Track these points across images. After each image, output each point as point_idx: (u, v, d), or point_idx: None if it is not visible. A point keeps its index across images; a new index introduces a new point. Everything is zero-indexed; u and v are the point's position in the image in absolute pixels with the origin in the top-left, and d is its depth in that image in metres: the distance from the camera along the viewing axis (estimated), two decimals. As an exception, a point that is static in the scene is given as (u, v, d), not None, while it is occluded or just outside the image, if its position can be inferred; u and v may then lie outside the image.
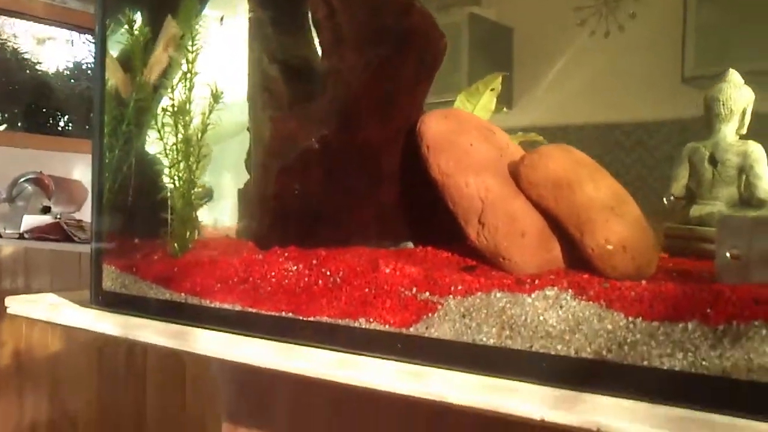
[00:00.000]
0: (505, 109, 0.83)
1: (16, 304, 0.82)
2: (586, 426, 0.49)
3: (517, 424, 0.51)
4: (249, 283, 0.65)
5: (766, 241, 0.51)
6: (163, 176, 0.75)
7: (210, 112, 0.73)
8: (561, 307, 0.52)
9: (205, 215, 0.80)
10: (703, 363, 0.48)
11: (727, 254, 0.53)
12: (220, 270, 0.66)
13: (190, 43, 0.74)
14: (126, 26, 0.77)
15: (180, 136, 0.72)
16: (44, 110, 3.63)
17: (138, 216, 0.77)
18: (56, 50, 3.71)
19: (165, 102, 0.75)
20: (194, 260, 0.70)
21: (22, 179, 2.50)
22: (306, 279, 0.61)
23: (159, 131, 0.71)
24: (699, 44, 2.23)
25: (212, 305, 0.68)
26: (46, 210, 2.48)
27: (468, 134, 0.56)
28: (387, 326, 0.58)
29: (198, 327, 0.69)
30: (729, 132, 0.66)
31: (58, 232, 2.19)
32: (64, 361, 2.01)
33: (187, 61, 0.74)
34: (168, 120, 0.72)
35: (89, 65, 3.73)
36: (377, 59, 0.60)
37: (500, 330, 0.54)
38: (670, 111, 2.23)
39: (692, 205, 0.67)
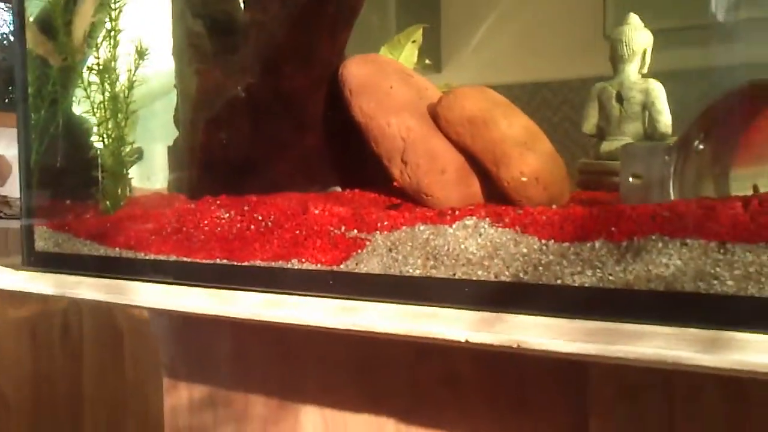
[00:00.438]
0: (427, 60, 0.86)
1: (-56, 272, 0.81)
2: (506, 344, 0.52)
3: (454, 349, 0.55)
4: (182, 233, 0.66)
5: (660, 164, 0.55)
6: (93, 135, 0.75)
7: (135, 68, 0.73)
8: (480, 234, 0.55)
9: (135, 175, 0.80)
10: (610, 278, 0.52)
11: (630, 179, 0.57)
12: (153, 222, 0.68)
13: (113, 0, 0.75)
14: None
15: (107, 94, 0.72)
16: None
17: (68, 176, 0.78)
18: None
19: (90, 60, 0.75)
20: (127, 215, 0.71)
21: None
22: (238, 225, 0.63)
23: (85, 89, 0.71)
24: (618, 3, 2.30)
25: (147, 258, 0.69)
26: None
27: (388, 77, 0.59)
28: (319, 265, 0.61)
29: (135, 280, 0.70)
30: (632, 71, 0.71)
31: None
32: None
33: (111, 19, 0.74)
34: (94, 78, 0.72)
35: (4, 35, 3.58)
36: (297, 9, 0.62)
37: (425, 260, 0.57)
38: (593, 68, 2.29)
39: (602, 141, 0.72)
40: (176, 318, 0.91)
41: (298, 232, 0.61)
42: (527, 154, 0.59)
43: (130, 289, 0.69)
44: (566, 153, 0.63)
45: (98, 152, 0.74)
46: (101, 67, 0.73)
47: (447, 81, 0.91)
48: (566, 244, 0.53)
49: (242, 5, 0.72)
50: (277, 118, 0.64)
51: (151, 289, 0.68)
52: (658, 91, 0.69)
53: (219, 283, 0.65)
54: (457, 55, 2.70)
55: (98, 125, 0.73)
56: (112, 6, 0.74)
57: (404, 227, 0.58)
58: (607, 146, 0.71)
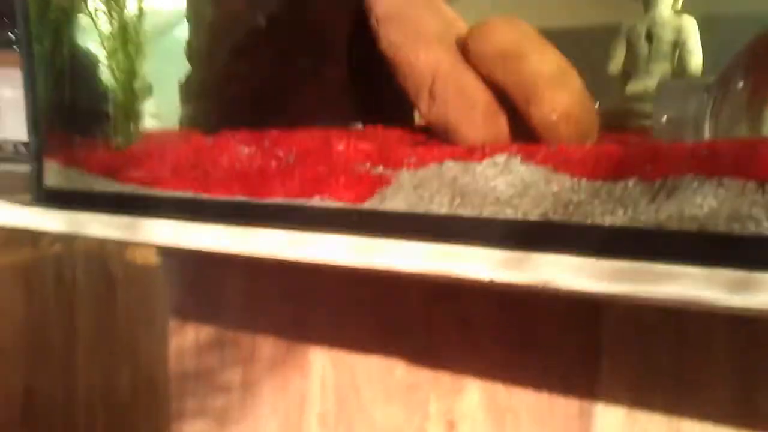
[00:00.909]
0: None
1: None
2: (533, 283, 0.52)
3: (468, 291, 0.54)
4: (199, 169, 0.65)
5: (697, 103, 0.54)
6: (102, 67, 0.72)
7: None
8: (510, 172, 0.54)
9: (145, 112, 0.78)
10: (642, 217, 0.51)
11: (663, 118, 0.56)
12: (169, 157, 0.66)
13: None
14: None
15: (115, 23, 0.69)
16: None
17: (79, 110, 0.75)
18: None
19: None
20: (141, 151, 0.70)
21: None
22: (258, 161, 0.62)
23: (92, 18, 0.69)
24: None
25: (162, 194, 0.68)
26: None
27: (417, 7, 0.57)
28: (342, 203, 0.59)
29: (148, 218, 0.68)
30: (665, 8, 0.69)
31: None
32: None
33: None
34: (101, 6, 0.69)
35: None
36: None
37: (452, 199, 0.56)
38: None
39: (628, 82, 0.70)
40: (187, 259, 0.89)
41: (321, 168, 0.59)
42: (559, 90, 0.58)
43: (144, 225, 0.68)
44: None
45: (109, 84, 0.71)
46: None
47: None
48: (599, 182, 0.52)
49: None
50: (298, 48, 0.62)
51: (166, 227, 0.66)
52: (691, 29, 0.67)
53: (237, 220, 0.64)
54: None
55: (108, 57, 0.71)
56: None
57: (431, 164, 0.56)
58: (633, 87, 0.69)
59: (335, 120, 0.65)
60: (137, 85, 0.70)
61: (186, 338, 0.94)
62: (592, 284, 0.50)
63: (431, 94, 0.57)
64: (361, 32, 0.60)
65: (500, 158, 0.54)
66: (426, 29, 0.57)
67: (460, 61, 0.57)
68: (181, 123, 0.77)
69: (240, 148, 0.62)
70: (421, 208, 0.57)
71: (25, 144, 0.98)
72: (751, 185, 0.47)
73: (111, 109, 0.72)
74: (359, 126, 0.66)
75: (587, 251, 0.52)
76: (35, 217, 0.73)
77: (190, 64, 0.75)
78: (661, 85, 0.56)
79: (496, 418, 0.69)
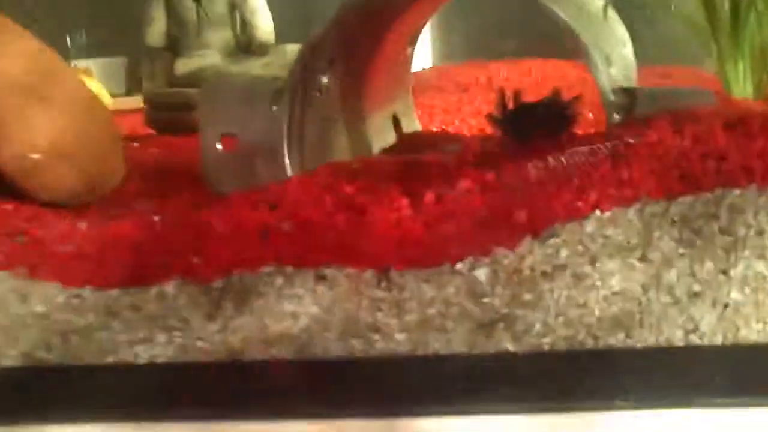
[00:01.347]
0: None
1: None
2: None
3: None
4: None
5: (263, 118, 0.33)
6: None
7: None
8: None
9: None
10: (199, 343, 0.30)
11: (217, 145, 0.34)
12: None
13: None
14: None
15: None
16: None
17: None
18: None
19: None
20: None
21: None
22: None
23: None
24: None
25: None
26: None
27: None
28: None
29: None
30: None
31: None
32: None
33: None
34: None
35: None
36: None
37: None
38: None
39: (178, 59, 0.46)
40: None
41: None
42: (38, 109, 0.33)
43: None
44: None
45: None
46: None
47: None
48: (115, 291, 0.29)
49: None
50: None
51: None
52: (250, -18, 0.45)
53: None
54: None
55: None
56: None
57: None
58: (183, 66, 0.46)
59: None
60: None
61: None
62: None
63: None
64: None
65: None
66: None
67: None
68: None
69: None
70: None
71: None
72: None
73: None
74: None
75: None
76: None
77: None
78: (205, 91, 0.33)
79: None
